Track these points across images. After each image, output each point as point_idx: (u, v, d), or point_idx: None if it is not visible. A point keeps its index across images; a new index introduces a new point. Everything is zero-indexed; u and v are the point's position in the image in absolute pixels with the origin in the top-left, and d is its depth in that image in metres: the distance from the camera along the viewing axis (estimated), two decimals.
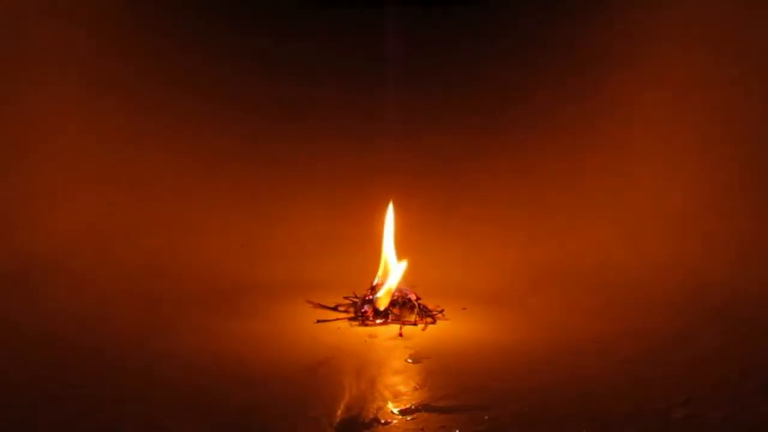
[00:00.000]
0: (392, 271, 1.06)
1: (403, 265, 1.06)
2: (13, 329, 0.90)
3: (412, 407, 0.67)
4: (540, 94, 1.43)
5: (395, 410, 0.67)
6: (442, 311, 1.03)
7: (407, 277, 1.07)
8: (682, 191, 1.24)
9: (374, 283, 1.06)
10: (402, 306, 1.02)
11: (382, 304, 1.01)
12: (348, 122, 1.48)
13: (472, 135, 1.47)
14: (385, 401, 0.69)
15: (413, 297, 1.03)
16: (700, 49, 1.24)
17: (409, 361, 0.82)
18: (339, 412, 0.65)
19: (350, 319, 1.01)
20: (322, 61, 1.50)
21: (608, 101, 1.36)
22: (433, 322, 1.00)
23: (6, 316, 0.96)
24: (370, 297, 1.03)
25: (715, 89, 1.22)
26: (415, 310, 1.01)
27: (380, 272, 1.07)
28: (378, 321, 0.99)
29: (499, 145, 1.44)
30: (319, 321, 0.99)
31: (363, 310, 1.01)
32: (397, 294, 1.03)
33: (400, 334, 0.94)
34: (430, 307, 1.03)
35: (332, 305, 1.05)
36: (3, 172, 1.22)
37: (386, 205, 1.11)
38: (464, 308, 1.06)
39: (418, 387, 0.73)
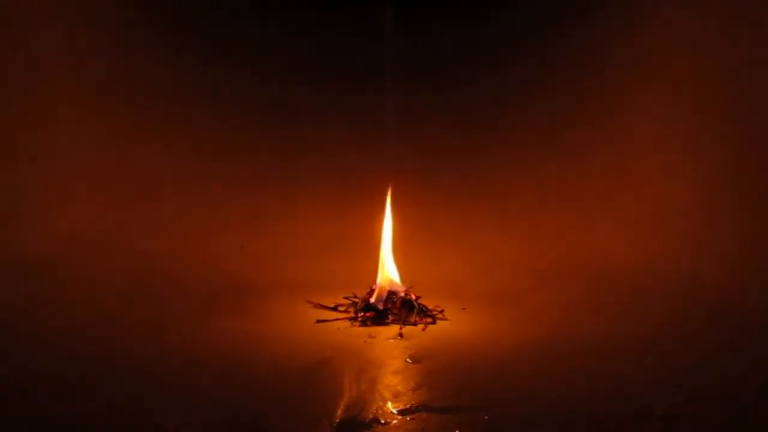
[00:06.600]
0: (385, 272, 1.06)
1: (394, 268, 1.06)
2: (12, 330, 0.90)
3: (412, 407, 0.67)
4: (539, 94, 1.43)
5: (395, 410, 0.67)
6: (442, 311, 1.03)
7: (406, 277, 1.07)
8: (681, 191, 1.24)
9: (373, 286, 1.06)
10: (402, 306, 1.02)
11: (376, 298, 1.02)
12: (347, 122, 1.47)
13: (471, 135, 1.47)
14: (385, 401, 0.69)
15: (413, 297, 1.03)
16: (701, 49, 1.24)
17: (409, 361, 0.82)
18: (339, 412, 0.65)
19: (350, 319, 1.01)
20: (321, 61, 1.50)
21: (608, 101, 1.36)
22: (433, 322, 1.00)
23: (4, 316, 0.96)
24: (370, 300, 1.03)
25: (716, 89, 1.22)
26: (415, 310, 1.01)
27: (379, 275, 1.07)
28: (369, 321, 0.99)
29: (499, 146, 1.44)
30: (319, 321, 0.99)
31: (364, 308, 1.01)
32: (394, 294, 1.03)
33: (400, 334, 0.94)
34: (429, 307, 1.03)
35: (332, 305, 1.05)
36: (2, 171, 1.22)
37: (385, 205, 1.11)
38: (464, 308, 1.06)
39: (418, 387, 0.73)
